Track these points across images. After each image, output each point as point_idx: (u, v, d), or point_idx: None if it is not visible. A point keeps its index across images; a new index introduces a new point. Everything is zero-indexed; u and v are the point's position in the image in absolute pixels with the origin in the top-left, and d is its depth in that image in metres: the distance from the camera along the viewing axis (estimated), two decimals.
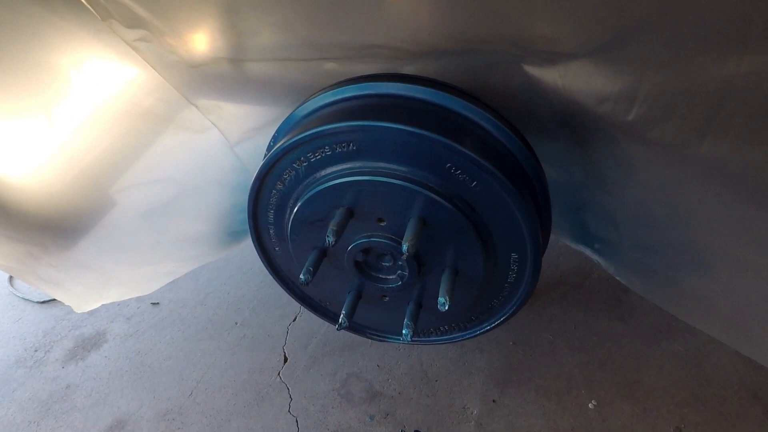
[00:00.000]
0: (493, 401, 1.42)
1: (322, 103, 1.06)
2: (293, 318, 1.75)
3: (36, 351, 1.74)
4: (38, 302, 1.94)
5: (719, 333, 1.08)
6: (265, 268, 1.29)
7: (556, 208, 1.14)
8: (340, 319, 1.15)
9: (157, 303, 1.87)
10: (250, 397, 1.50)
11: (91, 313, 1.84)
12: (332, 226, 0.98)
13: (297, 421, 1.42)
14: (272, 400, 1.49)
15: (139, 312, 1.84)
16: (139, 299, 1.87)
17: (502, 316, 1.15)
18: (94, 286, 1.40)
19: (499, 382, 1.47)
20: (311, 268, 1.08)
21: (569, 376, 1.46)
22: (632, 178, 0.95)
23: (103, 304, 1.47)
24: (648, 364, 1.46)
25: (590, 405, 1.38)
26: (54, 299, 1.89)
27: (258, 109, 1.24)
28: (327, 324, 1.62)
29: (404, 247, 0.92)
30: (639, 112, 0.79)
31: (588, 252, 1.30)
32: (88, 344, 1.74)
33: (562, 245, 1.63)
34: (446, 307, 0.98)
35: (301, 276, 1.07)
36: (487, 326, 1.20)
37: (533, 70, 0.88)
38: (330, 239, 0.96)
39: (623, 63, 0.77)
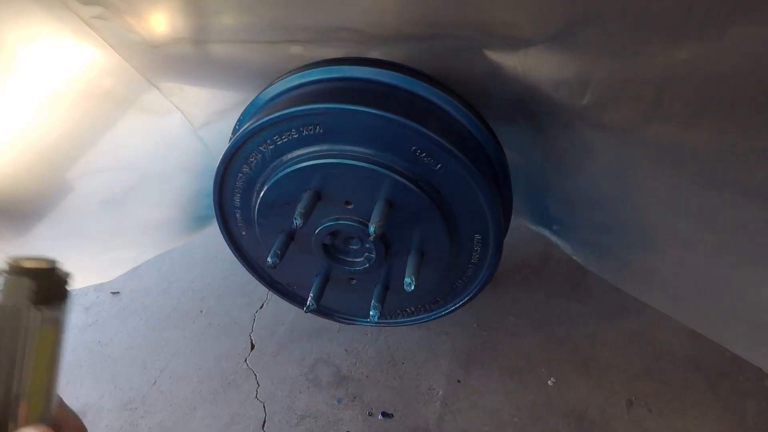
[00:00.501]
0: (458, 382, 1.47)
1: (288, 86, 1.05)
2: (260, 305, 1.74)
3: None
4: None
5: (666, 307, 1.15)
6: (231, 255, 1.28)
7: (517, 191, 1.18)
8: (308, 302, 1.16)
9: (118, 292, 1.82)
10: (216, 385, 1.49)
11: None
12: (299, 209, 0.98)
13: (264, 407, 1.43)
14: (239, 386, 1.48)
15: (98, 302, 1.79)
16: (98, 289, 1.82)
17: (466, 297, 1.19)
18: None
19: (463, 364, 1.51)
20: (279, 251, 1.08)
21: (530, 355, 1.52)
22: (587, 161, 0.99)
23: None
24: (603, 342, 1.54)
25: (549, 382, 1.45)
26: None
27: (223, 93, 1.22)
28: (294, 311, 1.62)
29: (371, 229, 0.94)
30: (592, 98, 0.83)
31: (547, 233, 1.35)
32: None
33: (524, 231, 1.69)
34: (412, 288, 1.01)
35: (269, 259, 1.07)
36: (451, 307, 1.23)
37: (495, 56, 0.91)
38: (297, 221, 0.97)
39: (577, 49, 0.80)
